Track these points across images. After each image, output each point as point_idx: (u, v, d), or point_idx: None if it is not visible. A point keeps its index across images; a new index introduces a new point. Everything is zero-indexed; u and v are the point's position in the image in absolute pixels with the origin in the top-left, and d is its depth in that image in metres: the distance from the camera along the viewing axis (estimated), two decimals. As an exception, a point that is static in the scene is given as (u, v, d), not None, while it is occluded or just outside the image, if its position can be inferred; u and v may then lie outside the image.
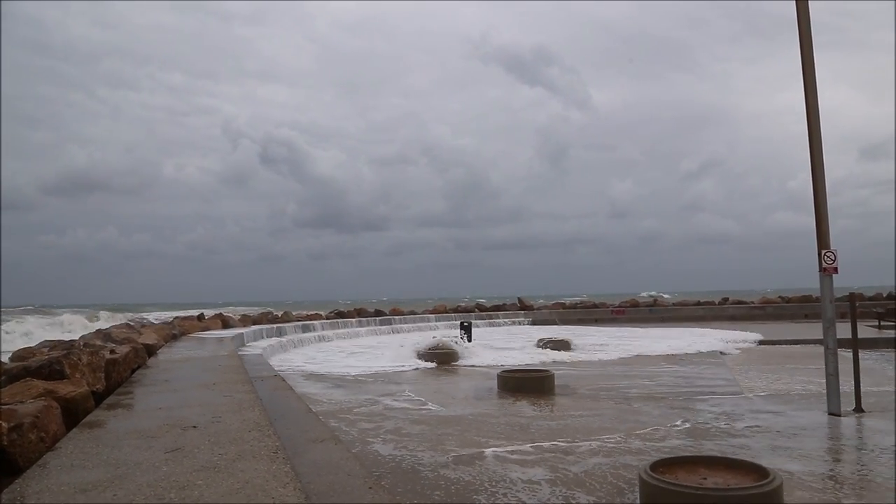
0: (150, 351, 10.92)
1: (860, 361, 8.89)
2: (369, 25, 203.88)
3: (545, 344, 18.63)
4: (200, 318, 20.82)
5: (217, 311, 23.63)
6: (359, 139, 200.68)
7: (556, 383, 11.01)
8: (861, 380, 8.74)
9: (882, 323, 22.39)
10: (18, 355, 8.66)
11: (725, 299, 35.37)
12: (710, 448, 6.75)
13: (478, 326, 24.99)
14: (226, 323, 20.66)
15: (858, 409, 8.51)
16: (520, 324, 30.73)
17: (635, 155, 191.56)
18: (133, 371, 8.58)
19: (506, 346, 20.08)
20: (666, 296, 51.28)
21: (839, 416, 8.24)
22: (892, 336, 18.73)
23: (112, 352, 8.11)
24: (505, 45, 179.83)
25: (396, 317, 28.94)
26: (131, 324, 18.07)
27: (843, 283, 9.14)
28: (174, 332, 15.78)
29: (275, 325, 21.82)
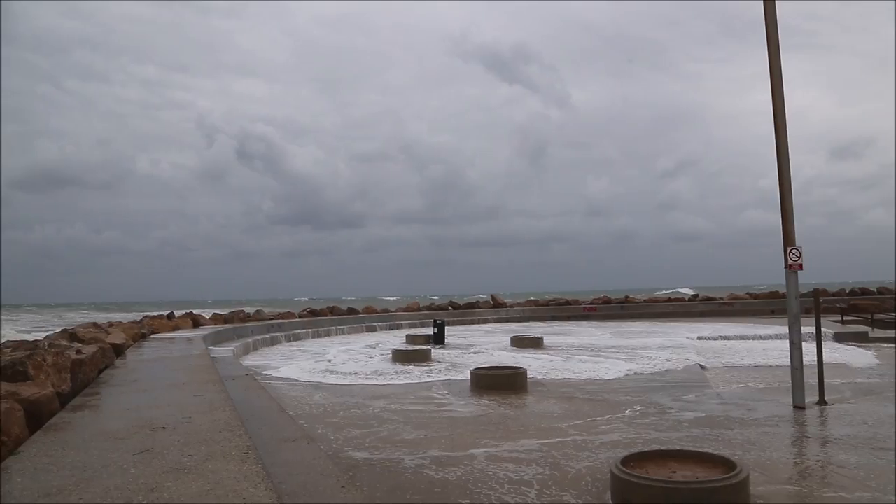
0: (119, 351, 10.72)
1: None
2: (348, 20, 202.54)
3: (517, 341, 18.73)
4: (170, 317, 20.51)
5: (188, 310, 23.30)
6: (336, 135, 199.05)
7: (528, 380, 11.08)
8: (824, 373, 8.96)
9: (844, 318, 22.93)
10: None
11: (695, 296, 35.91)
12: (675, 441, 6.85)
13: (451, 324, 25.02)
14: (196, 322, 20.39)
15: (822, 401, 8.72)
16: (493, 321, 30.80)
17: (613, 153, 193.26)
18: (100, 371, 8.41)
19: (478, 343, 20.13)
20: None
21: (803, 408, 8.43)
22: (855, 331, 19.23)
23: (78, 352, 7.95)
24: (485, 43, 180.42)
25: (370, 315, 28.83)
26: (99, 323, 17.72)
27: (812, 279, 9.37)
28: (143, 331, 15.51)
29: (246, 325, 21.59)
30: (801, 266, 8.71)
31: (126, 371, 8.75)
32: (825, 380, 8.97)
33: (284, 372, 13.64)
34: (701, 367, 13.21)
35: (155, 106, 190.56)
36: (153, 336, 15.60)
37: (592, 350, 17.09)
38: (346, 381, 12.23)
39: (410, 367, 14.30)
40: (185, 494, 3.21)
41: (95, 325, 16.12)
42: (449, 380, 12.18)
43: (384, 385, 11.77)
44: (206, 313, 23.33)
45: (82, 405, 6.01)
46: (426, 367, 14.19)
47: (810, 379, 8.81)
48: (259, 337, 19.91)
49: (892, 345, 16.83)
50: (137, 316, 23.39)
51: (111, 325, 16.46)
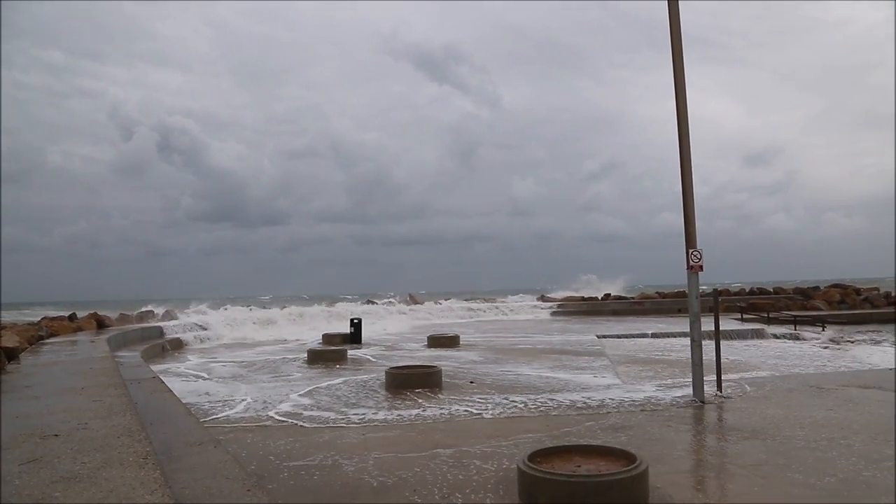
0: (11, 355, 10.08)
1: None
2: (272, 11, 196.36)
3: (434, 340, 18.82)
4: (72, 318, 19.44)
5: (93, 311, 22.09)
6: (258, 130, 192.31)
7: (444, 379, 11.17)
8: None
9: (744, 316, 24.36)
10: None
11: (608, 295, 37.20)
12: (580, 434, 7.08)
13: (368, 323, 24.92)
14: (101, 323, 19.41)
15: (720, 395, 9.22)
16: (411, 320, 30.85)
17: (541, 155, 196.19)
18: (-11, 377, 7.90)
19: (395, 341, 20.12)
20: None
21: (703, 402, 8.88)
22: (752, 328, 20.47)
23: (-36, 356, 7.43)
24: (416, 42, 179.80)
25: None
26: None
27: (721, 279, 9.90)
28: (41, 333, 14.66)
29: (155, 325, 20.74)
30: (701, 267, 9.18)
31: (18, 376, 8.25)
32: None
33: (192, 372, 13.18)
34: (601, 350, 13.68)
35: (61, 94, 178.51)
36: (52, 339, 14.75)
37: (508, 348, 17.40)
38: (263, 385, 11.95)
39: (325, 367, 14.13)
40: (75, 504, 3.07)
41: (-14, 327, 15.08)
42: (363, 379, 12.11)
43: (294, 386, 11.57)
44: (114, 314, 22.20)
45: (-34, 413, 5.62)
46: (342, 368, 14.06)
47: (711, 374, 9.29)
48: (167, 339, 19.18)
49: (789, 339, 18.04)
50: (36, 317, 22.04)
51: (4, 327, 15.44)
